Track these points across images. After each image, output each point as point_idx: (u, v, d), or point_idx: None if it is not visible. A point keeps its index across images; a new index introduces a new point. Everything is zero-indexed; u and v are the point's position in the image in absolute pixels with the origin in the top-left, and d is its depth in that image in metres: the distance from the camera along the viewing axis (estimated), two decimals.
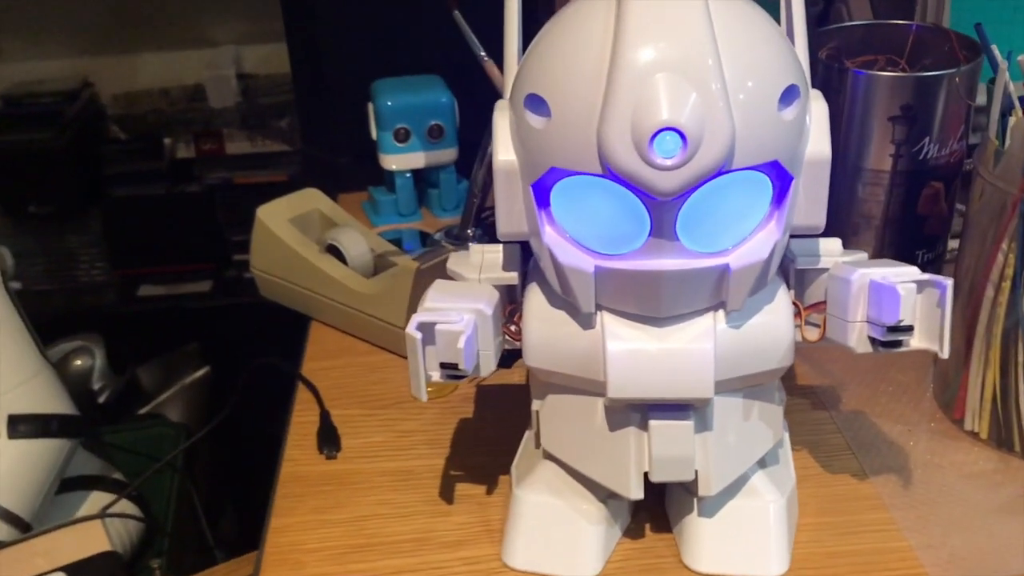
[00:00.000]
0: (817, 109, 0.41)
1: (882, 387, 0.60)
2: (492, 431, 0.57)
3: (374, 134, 0.80)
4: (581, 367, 0.44)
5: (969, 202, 0.55)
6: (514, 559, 0.48)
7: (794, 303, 0.46)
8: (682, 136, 0.36)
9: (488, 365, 0.45)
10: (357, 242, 0.68)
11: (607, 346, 0.42)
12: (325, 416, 0.57)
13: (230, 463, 1.15)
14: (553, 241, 0.42)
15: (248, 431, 0.85)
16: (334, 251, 0.68)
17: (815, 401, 0.59)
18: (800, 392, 0.60)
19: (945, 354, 0.42)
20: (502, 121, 0.42)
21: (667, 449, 0.44)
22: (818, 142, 0.41)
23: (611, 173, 0.38)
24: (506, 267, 0.47)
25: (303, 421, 0.59)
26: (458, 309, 0.44)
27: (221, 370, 1.21)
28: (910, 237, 0.65)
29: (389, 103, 0.79)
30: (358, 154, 0.86)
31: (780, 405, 0.48)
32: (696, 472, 0.45)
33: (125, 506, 0.77)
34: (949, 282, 0.41)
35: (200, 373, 1.20)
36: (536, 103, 0.40)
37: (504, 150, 0.42)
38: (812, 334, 0.46)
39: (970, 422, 0.55)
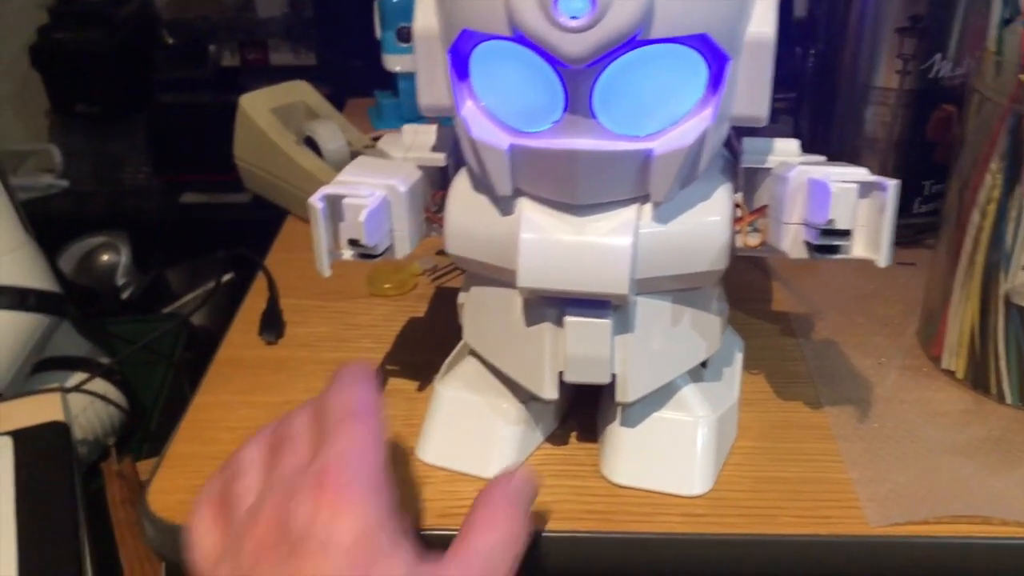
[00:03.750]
0: None
1: (861, 319, 0.56)
2: (441, 331, 0.55)
3: (379, 34, 0.78)
4: (497, 255, 0.41)
5: (965, 120, 0.50)
6: (426, 453, 0.46)
7: (738, 206, 0.42)
8: None
9: (403, 247, 0.43)
10: (334, 135, 0.66)
11: (521, 234, 0.40)
12: (272, 302, 0.56)
13: None
14: (469, 114, 0.39)
15: None
16: (311, 144, 0.66)
17: (785, 327, 0.55)
18: (772, 318, 0.56)
19: (883, 263, 0.38)
20: None
21: (582, 347, 0.41)
22: (762, 21, 0.37)
23: (518, 35, 0.35)
24: (436, 148, 0.45)
25: (253, 308, 0.58)
26: (370, 184, 0.41)
27: (247, 278, 1.22)
28: (917, 165, 0.61)
29: (393, 0, 0.76)
30: (369, 59, 0.84)
31: (719, 316, 0.45)
32: (614, 376, 0.42)
33: (107, 389, 0.77)
34: (892, 183, 0.37)
35: (226, 279, 1.21)
36: None
37: (423, 16, 0.39)
38: (753, 239, 0.42)
39: (947, 360, 0.51)
